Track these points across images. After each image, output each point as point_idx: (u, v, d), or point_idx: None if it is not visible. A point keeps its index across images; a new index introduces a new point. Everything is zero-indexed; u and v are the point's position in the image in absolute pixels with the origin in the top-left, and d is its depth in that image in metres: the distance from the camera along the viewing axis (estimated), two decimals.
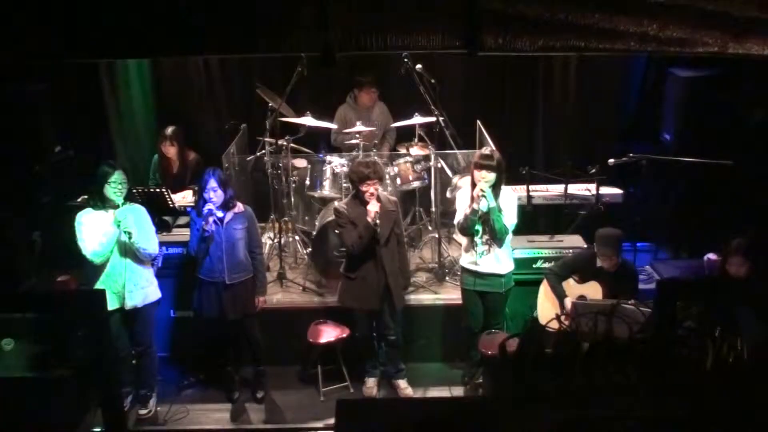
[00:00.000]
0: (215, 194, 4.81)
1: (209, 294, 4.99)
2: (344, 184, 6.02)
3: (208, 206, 4.79)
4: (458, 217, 5.00)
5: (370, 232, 4.88)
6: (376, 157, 5.62)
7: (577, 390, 2.03)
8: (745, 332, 2.12)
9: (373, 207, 4.85)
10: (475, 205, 4.79)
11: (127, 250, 4.76)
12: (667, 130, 6.58)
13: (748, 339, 2.10)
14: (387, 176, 5.99)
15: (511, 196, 5.01)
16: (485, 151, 4.94)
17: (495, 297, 5.07)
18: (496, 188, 4.84)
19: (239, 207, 5.01)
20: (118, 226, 4.61)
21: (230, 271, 4.93)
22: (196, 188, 5.97)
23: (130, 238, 4.65)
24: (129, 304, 4.81)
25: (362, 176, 4.85)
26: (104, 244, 4.67)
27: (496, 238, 4.88)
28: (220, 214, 4.86)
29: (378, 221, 4.84)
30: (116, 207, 4.66)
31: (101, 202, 4.70)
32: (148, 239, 4.85)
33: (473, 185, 4.85)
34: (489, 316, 5.17)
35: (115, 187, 4.64)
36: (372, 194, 4.87)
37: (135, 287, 4.83)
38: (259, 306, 5.19)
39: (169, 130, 6.25)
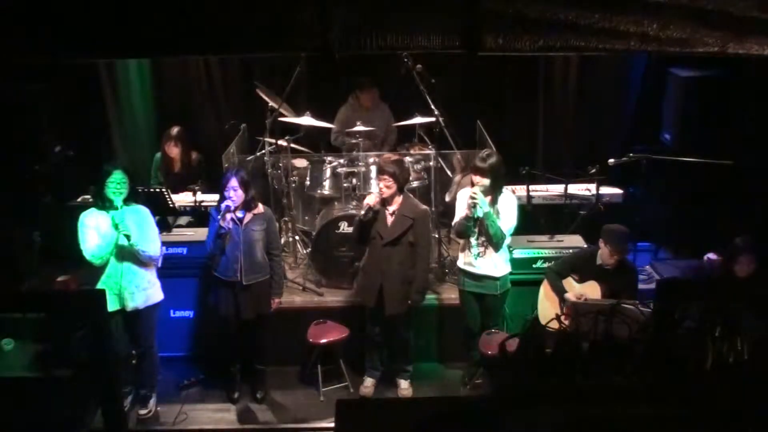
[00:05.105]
0: (235, 194, 4.82)
1: (225, 294, 5.00)
2: (344, 184, 6.02)
3: (226, 203, 4.81)
4: (454, 221, 5.02)
5: (357, 223, 4.99)
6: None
7: (577, 390, 2.03)
8: (745, 332, 2.12)
9: (368, 199, 4.90)
10: (468, 211, 4.79)
11: (128, 252, 4.73)
12: (667, 130, 6.58)
13: (749, 339, 2.10)
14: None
15: (511, 199, 4.99)
16: (481, 155, 4.92)
17: (491, 299, 5.06)
18: (492, 192, 4.83)
19: (260, 208, 5.01)
20: (116, 228, 4.60)
21: (247, 272, 4.94)
22: (197, 188, 6.00)
23: (128, 240, 4.65)
24: (130, 305, 4.80)
25: (376, 169, 5.09)
26: (103, 246, 4.66)
27: (492, 242, 4.87)
28: (239, 214, 4.89)
29: (367, 215, 4.87)
30: (116, 208, 4.64)
31: (102, 202, 4.69)
32: (150, 240, 4.82)
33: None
34: (486, 317, 5.16)
35: (113, 187, 4.62)
36: (380, 188, 4.89)
37: (136, 289, 4.81)
38: (275, 307, 5.21)
39: (174, 130, 6.25)
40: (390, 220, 4.95)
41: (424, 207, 5.09)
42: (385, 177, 4.84)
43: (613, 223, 4.96)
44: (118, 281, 4.75)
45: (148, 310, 4.92)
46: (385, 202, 4.93)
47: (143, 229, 4.78)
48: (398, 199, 4.95)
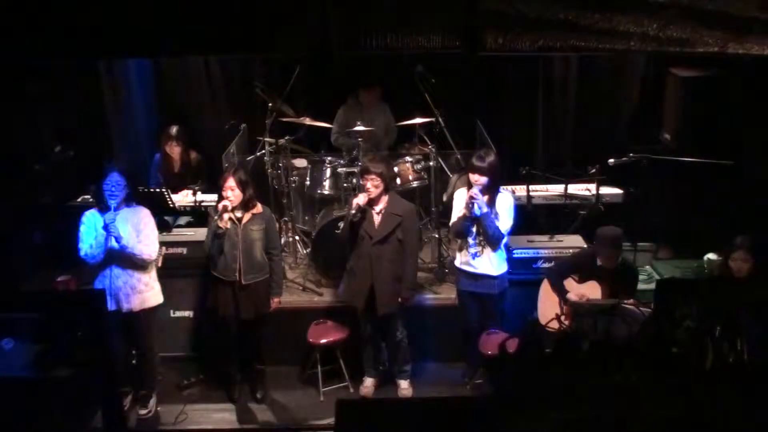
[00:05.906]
0: (233, 193, 4.81)
1: (225, 293, 4.99)
2: (344, 184, 6.02)
3: (223, 203, 4.80)
4: (452, 221, 5.01)
5: (347, 223, 4.96)
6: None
7: (577, 390, 2.03)
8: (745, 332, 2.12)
9: (358, 199, 4.89)
10: (466, 211, 4.79)
11: (121, 254, 4.72)
12: (667, 130, 6.58)
13: (749, 339, 2.10)
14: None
15: (509, 199, 4.99)
16: (479, 153, 4.92)
17: (489, 298, 5.06)
18: (490, 192, 4.83)
19: (258, 208, 5.00)
20: (107, 229, 4.60)
21: (246, 271, 4.93)
22: (197, 188, 6.00)
23: (118, 243, 4.63)
24: (125, 307, 4.77)
25: (361, 169, 5.05)
26: (94, 246, 4.66)
27: (489, 242, 4.87)
28: (237, 213, 4.88)
29: (356, 215, 4.86)
30: (110, 209, 4.63)
31: (99, 202, 4.69)
32: (147, 242, 4.78)
33: (469, 188, 4.85)
34: (485, 317, 5.15)
35: (108, 189, 4.62)
36: (367, 188, 4.88)
37: (131, 291, 4.78)
38: (274, 307, 5.19)
39: (174, 129, 6.24)
40: (378, 219, 4.96)
41: (411, 204, 5.13)
42: (373, 177, 4.86)
43: (608, 226, 4.95)
44: (112, 282, 4.74)
45: (145, 313, 4.89)
46: (371, 201, 4.94)
47: (140, 230, 4.77)
48: (385, 198, 4.97)
